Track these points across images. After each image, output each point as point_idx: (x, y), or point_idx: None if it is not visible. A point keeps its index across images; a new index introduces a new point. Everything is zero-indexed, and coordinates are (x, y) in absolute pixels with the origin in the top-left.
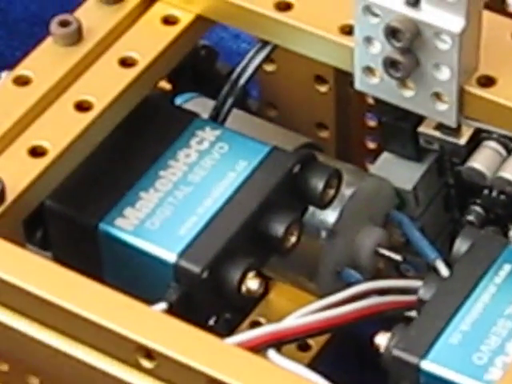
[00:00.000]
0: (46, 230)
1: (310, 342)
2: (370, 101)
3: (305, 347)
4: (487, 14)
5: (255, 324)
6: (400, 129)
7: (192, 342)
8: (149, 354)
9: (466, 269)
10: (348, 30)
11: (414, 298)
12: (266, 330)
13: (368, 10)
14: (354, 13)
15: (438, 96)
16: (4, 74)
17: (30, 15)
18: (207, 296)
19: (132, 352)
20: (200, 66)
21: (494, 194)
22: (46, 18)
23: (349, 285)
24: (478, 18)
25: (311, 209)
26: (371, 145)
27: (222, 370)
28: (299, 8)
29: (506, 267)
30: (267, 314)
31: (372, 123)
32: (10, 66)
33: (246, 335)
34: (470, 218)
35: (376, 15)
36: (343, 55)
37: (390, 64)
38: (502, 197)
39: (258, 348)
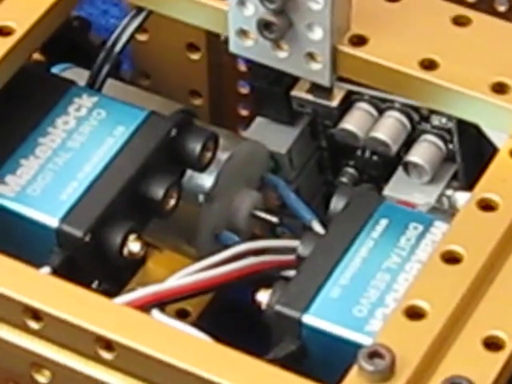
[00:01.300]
0: None
1: (189, 308)
2: (242, 68)
3: (183, 314)
4: None
5: None
6: (273, 93)
7: (78, 302)
8: (36, 314)
9: (343, 225)
10: None
11: (291, 258)
12: (150, 290)
13: None
14: None
15: (311, 56)
16: None
17: None
18: (90, 260)
19: (19, 314)
20: (73, 36)
21: (367, 155)
22: None
23: (227, 247)
24: None
25: (188, 174)
26: (244, 112)
27: (110, 328)
28: None
29: (383, 222)
30: (145, 284)
31: (244, 90)
32: None
33: (130, 296)
34: (344, 179)
35: None
36: (218, 19)
37: (264, 26)
38: (375, 157)
39: (142, 309)
